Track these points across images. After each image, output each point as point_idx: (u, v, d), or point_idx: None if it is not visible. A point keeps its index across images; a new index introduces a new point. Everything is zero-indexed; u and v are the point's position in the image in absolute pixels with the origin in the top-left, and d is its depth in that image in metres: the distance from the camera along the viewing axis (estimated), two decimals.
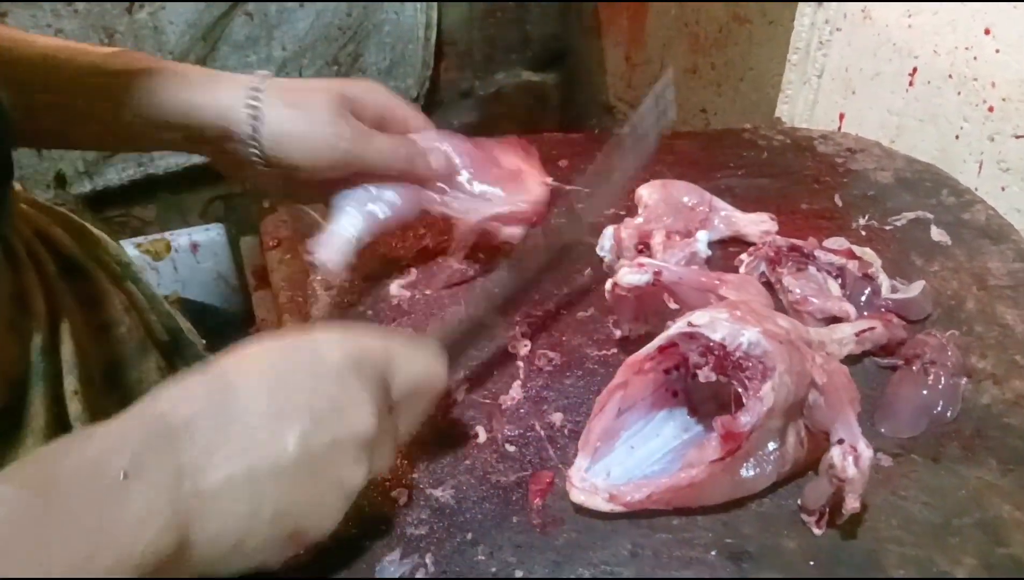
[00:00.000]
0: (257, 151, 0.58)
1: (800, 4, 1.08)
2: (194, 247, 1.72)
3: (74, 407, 0.55)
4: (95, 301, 0.62)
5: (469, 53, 1.85)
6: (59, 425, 0.54)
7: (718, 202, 0.74)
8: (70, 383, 0.55)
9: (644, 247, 0.69)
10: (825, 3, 1.04)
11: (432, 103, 1.84)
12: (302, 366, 0.41)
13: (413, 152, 0.63)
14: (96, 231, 0.68)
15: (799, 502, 0.49)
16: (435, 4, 1.69)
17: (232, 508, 0.36)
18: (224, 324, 1.62)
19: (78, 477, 0.33)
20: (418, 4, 1.68)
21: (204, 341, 0.75)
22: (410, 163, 0.63)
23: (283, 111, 0.58)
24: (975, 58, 0.88)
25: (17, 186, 0.57)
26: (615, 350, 0.62)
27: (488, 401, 0.59)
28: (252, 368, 0.40)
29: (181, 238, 1.71)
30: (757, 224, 0.73)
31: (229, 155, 0.60)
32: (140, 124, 0.58)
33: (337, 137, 0.58)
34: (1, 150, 0.49)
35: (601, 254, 0.70)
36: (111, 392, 0.61)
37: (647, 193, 0.73)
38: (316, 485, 0.39)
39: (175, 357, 0.70)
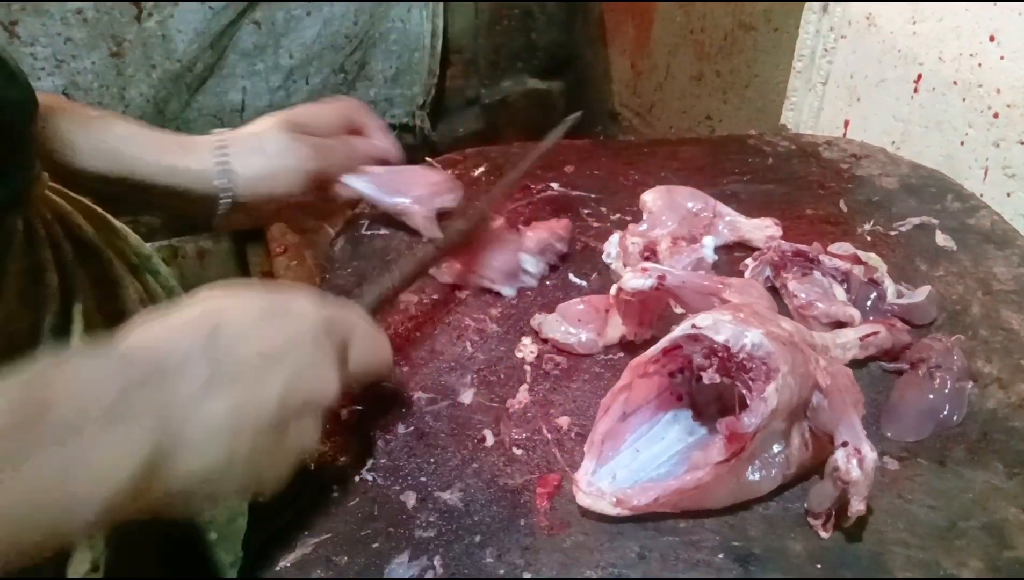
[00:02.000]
0: (229, 199, 0.65)
1: (805, 12, 1.09)
2: (201, 254, 1.73)
3: None
4: (110, 286, 0.64)
5: (475, 61, 1.86)
6: None
7: (722, 208, 0.74)
8: None
9: (650, 253, 0.69)
10: (831, 6, 1.05)
11: (438, 110, 1.86)
12: (286, 320, 0.41)
13: (364, 148, 0.73)
14: (118, 223, 0.69)
15: (805, 505, 0.50)
16: (441, 13, 1.70)
17: (210, 451, 0.37)
18: None
19: (64, 408, 0.34)
20: (424, 13, 1.69)
21: None
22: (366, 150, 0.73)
23: (249, 158, 0.65)
24: (980, 65, 0.88)
25: (45, 175, 0.60)
26: (621, 354, 0.63)
27: (496, 405, 0.59)
28: (240, 312, 0.41)
29: (188, 245, 1.72)
30: (762, 229, 0.73)
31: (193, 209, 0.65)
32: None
33: (300, 159, 0.66)
34: (23, 131, 0.52)
35: (607, 261, 0.71)
36: None
37: (651, 199, 0.74)
38: (283, 440, 0.40)
39: None
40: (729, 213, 0.74)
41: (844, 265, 0.67)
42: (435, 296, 0.70)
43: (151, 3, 1.45)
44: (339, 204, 0.74)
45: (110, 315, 0.63)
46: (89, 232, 0.64)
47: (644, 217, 0.73)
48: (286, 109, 0.70)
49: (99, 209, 0.68)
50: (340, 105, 0.74)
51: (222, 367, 0.38)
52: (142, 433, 0.35)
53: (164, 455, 0.35)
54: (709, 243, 0.69)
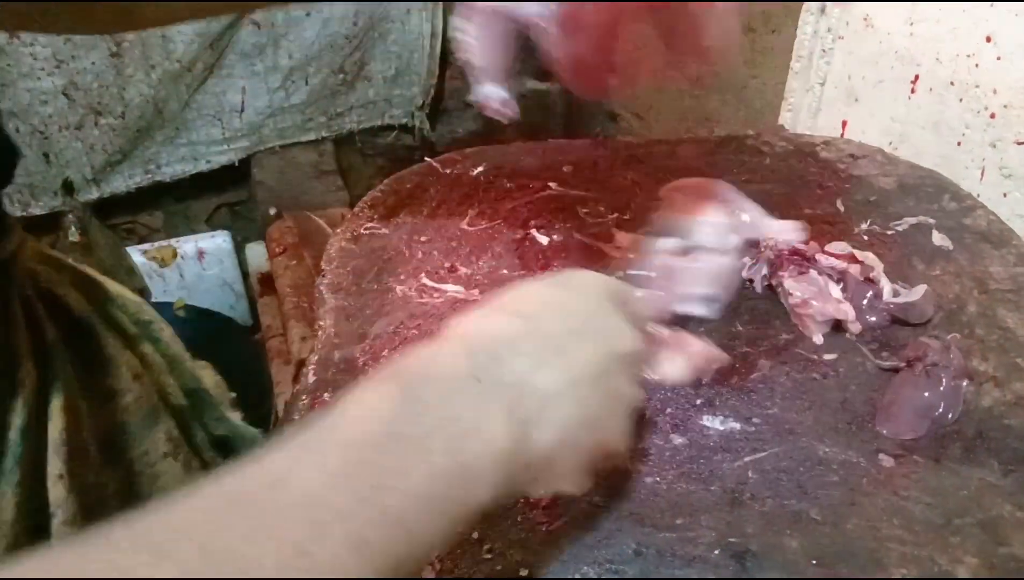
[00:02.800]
0: None
1: (802, 13, 1.09)
2: (200, 254, 1.73)
3: (57, 492, 0.50)
4: (99, 367, 0.59)
5: None
6: (32, 516, 0.49)
7: (748, 203, 0.73)
8: (55, 466, 0.50)
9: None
10: (828, 8, 1.05)
11: (437, 111, 1.86)
12: (573, 298, 0.44)
13: None
14: (115, 286, 0.64)
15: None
16: (440, 14, 1.70)
17: (560, 410, 0.39)
18: (229, 330, 1.64)
19: (433, 377, 0.37)
20: (424, 14, 1.70)
21: (233, 394, 0.71)
22: None
23: None
24: (977, 65, 0.89)
25: (30, 244, 0.55)
26: None
27: None
28: (534, 301, 0.43)
29: (187, 245, 1.72)
30: (788, 232, 0.71)
31: None
32: None
33: None
34: None
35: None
36: (109, 469, 0.57)
37: (673, 188, 0.73)
38: (611, 397, 0.42)
39: (192, 422, 0.66)
40: (754, 209, 0.72)
41: (840, 264, 0.67)
42: (435, 295, 0.70)
43: None
44: None
45: (99, 398, 0.57)
46: (79, 307, 0.59)
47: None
48: None
49: (96, 275, 0.63)
50: None
51: (542, 340, 0.40)
52: (503, 399, 0.37)
53: (526, 419, 0.37)
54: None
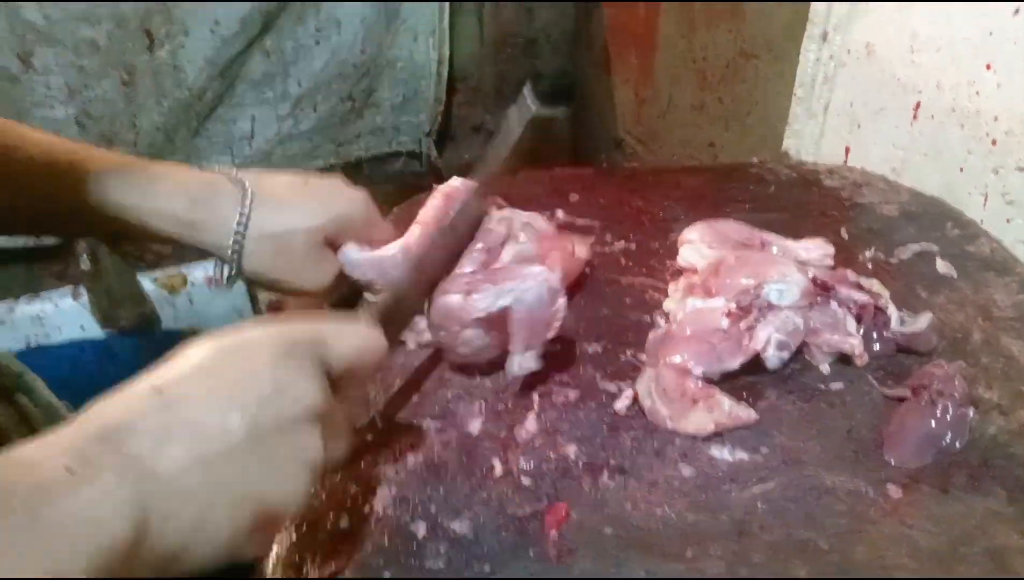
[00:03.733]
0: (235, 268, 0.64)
1: (805, 41, 1.11)
2: (210, 281, 1.74)
3: None
4: None
5: (480, 88, 1.89)
6: None
7: (767, 235, 0.74)
8: None
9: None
10: (830, 35, 1.06)
11: (445, 137, 1.88)
12: (236, 362, 0.41)
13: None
14: None
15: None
16: (447, 41, 1.73)
17: (189, 495, 0.36)
18: None
19: (14, 479, 0.32)
20: (431, 41, 1.72)
21: None
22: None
23: (264, 259, 0.64)
24: (977, 93, 0.90)
25: None
26: (628, 382, 0.64)
27: (504, 434, 0.60)
28: (185, 371, 0.40)
29: (197, 272, 1.73)
30: (813, 250, 0.73)
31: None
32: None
33: (317, 277, 0.66)
34: None
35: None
36: None
37: (697, 235, 0.73)
38: (272, 462, 0.39)
39: None
40: (774, 238, 0.74)
41: (863, 298, 0.67)
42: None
43: (163, 32, 1.48)
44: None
45: None
46: None
47: (687, 252, 0.72)
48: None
49: None
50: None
51: (172, 415, 0.37)
52: (114, 488, 0.33)
53: (144, 507, 0.34)
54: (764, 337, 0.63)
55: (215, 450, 0.37)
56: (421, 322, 0.65)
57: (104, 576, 0.32)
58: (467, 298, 0.59)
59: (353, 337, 0.47)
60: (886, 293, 0.69)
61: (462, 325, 0.59)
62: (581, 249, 0.72)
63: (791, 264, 0.65)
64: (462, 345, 0.61)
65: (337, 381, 0.46)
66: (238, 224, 0.63)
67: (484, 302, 0.58)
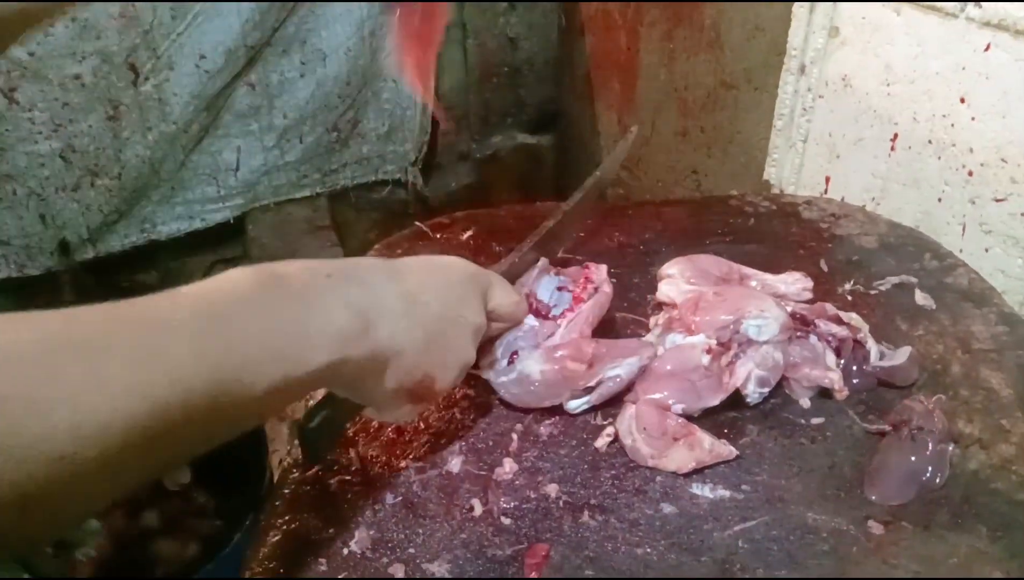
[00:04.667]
0: None
1: (783, 72, 1.12)
2: None
3: None
4: None
5: (466, 117, 1.90)
6: None
7: (745, 269, 0.75)
8: None
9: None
10: (807, 67, 1.08)
11: (431, 166, 1.88)
12: (441, 270, 0.56)
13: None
14: None
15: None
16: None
17: (396, 325, 0.49)
18: None
19: (298, 273, 0.45)
20: None
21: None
22: None
23: None
24: (952, 125, 0.91)
25: None
26: (609, 420, 0.63)
27: (483, 473, 0.59)
28: (409, 260, 0.55)
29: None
30: (792, 283, 0.73)
31: None
32: None
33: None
34: None
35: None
36: None
37: (677, 270, 0.73)
38: (446, 341, 0.53)
39: None
40: (753, 273, 0.74)
41: (842, 332, 0.67)
42: None
43: (148, 67, 1.48)
44: None
45: None
46: None
47: (666, 287, 0.72)
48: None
49: None
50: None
51: (398, 278, 0.51)
52: (349, 296, 0.47)
53: (366, 316, 0.47)
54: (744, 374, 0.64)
55: (418, 311, 0.51)
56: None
57: (341, 353, 0.45)
58: (588, 370, 0.62)
59: (510, 296, 0.62)
60: (865, 327, 0.69)
61: (572, 393, 0.63)
62: (606, 286, 0.70)
63: (769, 299, 0.66)
64: (545, 399, 0.64)
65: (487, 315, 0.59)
66: None
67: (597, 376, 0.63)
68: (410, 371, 0.51)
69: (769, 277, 0.74)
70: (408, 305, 0.50)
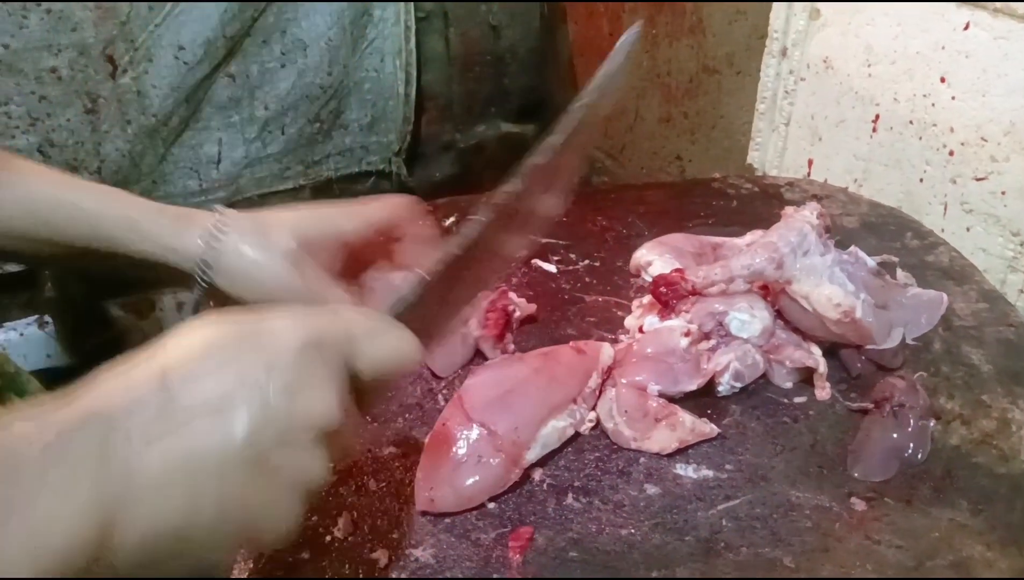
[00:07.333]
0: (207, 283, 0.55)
1: (764, 56, 1.12)
2: (179, 305, 1.72)
3: None
4: None
5: (449, 107, 1.89)
6: None
7: (715, 239, 0.75)
8: None
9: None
10: (789, 50, 1.08)
11: (415, 156, 1.87)
12: (254, 350, 0.36)
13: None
14: None
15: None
16: (415, 61, 1.73)
17: (167, 501, 0.33)
18: None
19: (12, 441, 0.30)
20: (397, 61, 1.72)
21: None
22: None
23: (239, 259, 0.54)
24: (933, 105, 0.91)
25: None
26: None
27: None
28: (195, 351, 0.36)
29: (166, 297, 1.71)
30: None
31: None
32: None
33: (290, 289, 0.53)
34: None
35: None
36: None
37: (648, 251, 0.72)
38: (268, 481, 0.35)
39: None
40: (722, 240, 0.74)
41: None
42: None
43: (126, 60, 1.46)
44: None
45: None
46: None
47: (646, 269, 0.72)
48: (320, 205, 0.58)
49: None
50: (384, 206, 0.60)
51: (171, 408, 0.33)
52: (84, 481, 0.31)
53: (112, 508, 0.31)
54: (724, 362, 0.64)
55: (208, 456, 0.33)
56: None
57: (63, 571, 0.30)
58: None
59: (389, 340, 0.41)
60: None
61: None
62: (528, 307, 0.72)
63: (761, 300, 0.65)
64: None
65: (359, 390, 0.40)
66: None
67: None
68: (209, 548, 0.35)
69: (737, 240, 0.74)
70: (187, 461, 0.33)
